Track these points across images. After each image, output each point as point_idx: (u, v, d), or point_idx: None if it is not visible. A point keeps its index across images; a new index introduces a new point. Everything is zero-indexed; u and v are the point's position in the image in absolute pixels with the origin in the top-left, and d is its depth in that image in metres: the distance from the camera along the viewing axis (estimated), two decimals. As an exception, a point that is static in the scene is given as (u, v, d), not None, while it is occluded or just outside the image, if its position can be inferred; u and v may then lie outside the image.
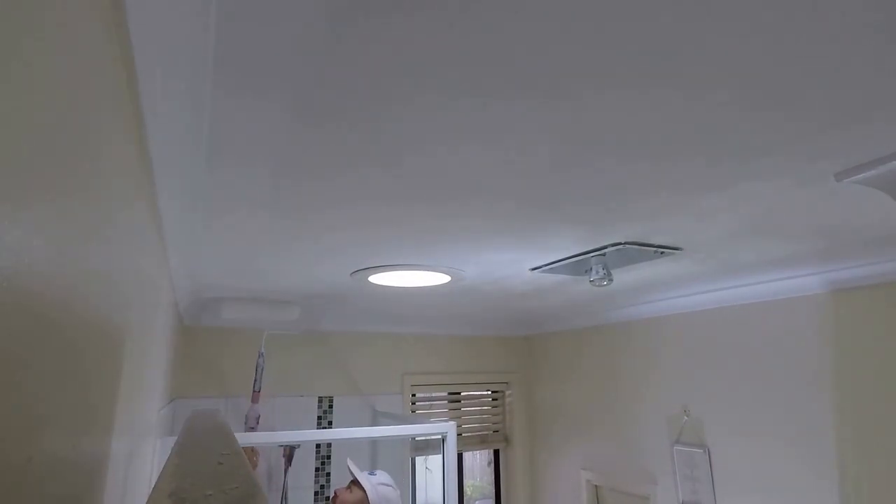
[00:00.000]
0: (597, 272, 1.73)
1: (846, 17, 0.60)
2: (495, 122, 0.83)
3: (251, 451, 2.51)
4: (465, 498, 3.84)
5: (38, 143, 0.35)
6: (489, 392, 3.64)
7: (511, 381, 3.64)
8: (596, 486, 3.01)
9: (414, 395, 3.33)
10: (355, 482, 2.16)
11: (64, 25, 0.38)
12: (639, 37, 0.63)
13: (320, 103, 0.76)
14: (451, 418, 3.41)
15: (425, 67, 0.68)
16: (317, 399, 2.99)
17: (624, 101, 0.77)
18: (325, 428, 2.95)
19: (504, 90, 0.74)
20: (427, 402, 3.41)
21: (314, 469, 2.89)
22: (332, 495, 2.20)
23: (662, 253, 1.64)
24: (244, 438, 1.94)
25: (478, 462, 6.67)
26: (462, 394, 3.54)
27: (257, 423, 2.55)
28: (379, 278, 1.97)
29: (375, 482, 2.13)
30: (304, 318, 2.92)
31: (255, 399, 2.55)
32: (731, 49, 0.65)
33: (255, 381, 2.56)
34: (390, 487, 2.16)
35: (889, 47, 0.65)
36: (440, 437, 2.18)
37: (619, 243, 1.55)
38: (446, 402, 3.48)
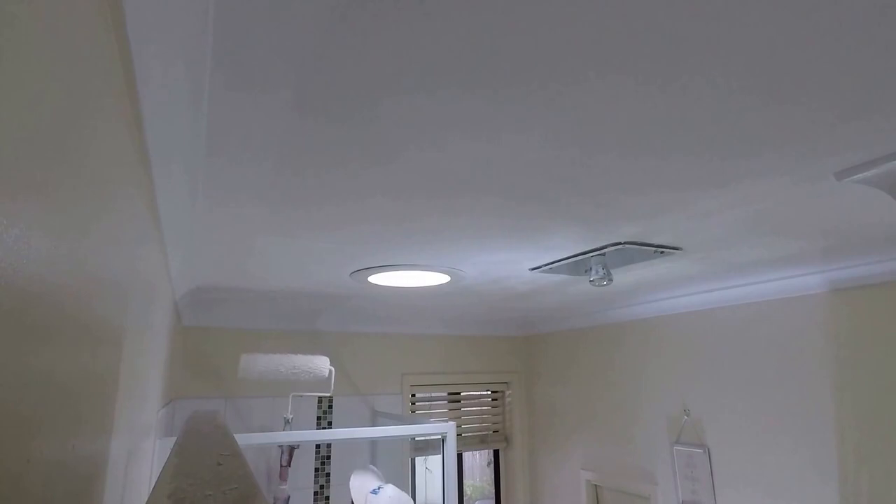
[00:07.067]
0: (597, 272, 1.73)
1: (846, 16, 0.60)
2: (496, 121, 0.82)
3: None
4: (465, 498, 3.83)
5: (35, 137, 0.35)
6: (489, 392, 3.64)
7: (511, 381, 3.64)
8: (596, 486, 3.01)
9: (413, 396, 3.32)
10: None
11: (61, 13, 0.37)
12: (638, 37, 0.63)
13: (319, 98, 0.76)
14: (451, 418, 3.41)
15: (425, 63, 0.68)
16: (316, 399, 2.99)
17: (623, 100, 0.77)
18: (324, 428, 2.95)
19: (505, 89, 0.74)
20: (427, 403, 3.41)
21: (314, 469, 2.89)
22: None
23: (662, 253, 1.64)
24: (244, 439, 1.93)
25: (478, 462, 6.67)
26: (462, 394, 3.54)
27: None
28: (378, 278, 1.96)
29: None
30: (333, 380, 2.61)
31: (283, 476, 2.24)
32: (731, 47, 0.65)
33: (283, 452, 2.23)
34: None
35: (890, 46, 0.65)
36: (440, 437, 2.17)
37: (619, 243, 1.55)
38: (446, 402, 3.47)
